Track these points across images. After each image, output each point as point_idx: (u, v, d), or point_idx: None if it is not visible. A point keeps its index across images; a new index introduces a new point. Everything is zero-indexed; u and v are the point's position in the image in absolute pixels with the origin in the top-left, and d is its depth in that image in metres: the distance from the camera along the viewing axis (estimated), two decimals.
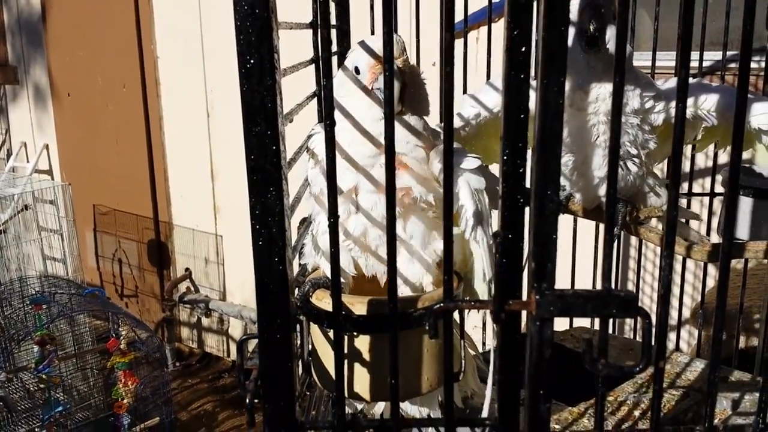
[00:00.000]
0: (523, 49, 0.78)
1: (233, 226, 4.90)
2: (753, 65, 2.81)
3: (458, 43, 2.22)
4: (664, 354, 0.88)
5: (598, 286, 0.87)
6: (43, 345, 3.69)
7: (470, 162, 1.24)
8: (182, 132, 5.04)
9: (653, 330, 0.82)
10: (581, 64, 1.50)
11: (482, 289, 1.28)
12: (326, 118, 0.86)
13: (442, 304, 0.86)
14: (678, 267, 2.69)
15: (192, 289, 5.11)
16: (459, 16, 2.07)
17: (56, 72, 5.76)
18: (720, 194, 2.21)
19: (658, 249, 1.66)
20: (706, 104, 1.53)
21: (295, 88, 1.53)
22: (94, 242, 5.82)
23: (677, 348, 2.51)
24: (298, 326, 1.25)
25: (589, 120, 1.54)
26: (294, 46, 1.44)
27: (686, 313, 3.36)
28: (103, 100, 5.47)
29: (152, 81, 5.05)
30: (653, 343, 0.86)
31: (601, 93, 1.51)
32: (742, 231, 1.87)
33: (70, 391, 4.12)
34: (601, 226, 1.80)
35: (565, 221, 2.00)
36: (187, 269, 5.20)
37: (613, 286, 0.90)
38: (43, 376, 3.63)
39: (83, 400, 4.14)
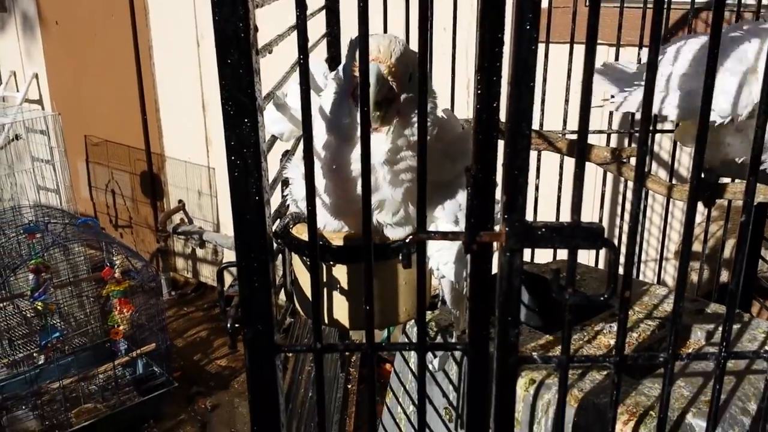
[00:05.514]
0: None
1: (225, 158, 4.88)
2: None
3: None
4: (630, 284, 0.91)
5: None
6: (38, 273, 3.74)
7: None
8: (172, 62, 4.96)
9: (619, 261, 0.84)
10: None
11: None
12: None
13: (414, 235, 0.89)
14: (665, 202, 2.72)
15: (186, 220, 5.14)
16: None
17: None
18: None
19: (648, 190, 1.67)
20: None
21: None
22: (87, 173, 5.81)
23: (659, 281, 2.56)
24: (280, 256, 1.28)
25: None
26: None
27: (673, 248, 3.41)
28: (91, 29, 5.35)
29: (141, 9, 4.93)
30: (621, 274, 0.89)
31: None
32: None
33: (67, 318, 4.21)
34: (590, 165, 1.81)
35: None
36: (180, 201, 5.21)
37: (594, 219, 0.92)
38: (39, 305, 3.70)
39: (80, 327, 4.23)
